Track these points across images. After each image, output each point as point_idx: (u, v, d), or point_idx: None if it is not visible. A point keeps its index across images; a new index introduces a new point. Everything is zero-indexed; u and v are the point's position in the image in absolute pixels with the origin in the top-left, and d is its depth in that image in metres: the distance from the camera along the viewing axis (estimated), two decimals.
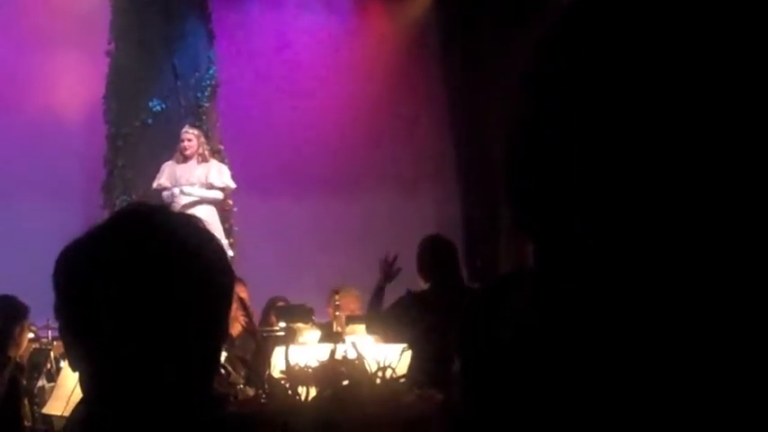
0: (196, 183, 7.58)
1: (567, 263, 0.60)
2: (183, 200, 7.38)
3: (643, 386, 0.56)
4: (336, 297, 5.65)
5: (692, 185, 0.54)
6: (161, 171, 7.63)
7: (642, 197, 0.56)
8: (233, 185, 7.76)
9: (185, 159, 7.60)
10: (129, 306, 1.12)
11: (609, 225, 0.57)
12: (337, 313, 5.55)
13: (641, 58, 0.56)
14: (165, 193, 7.53)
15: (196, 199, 7.51)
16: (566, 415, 0.60)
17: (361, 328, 5.11)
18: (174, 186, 7.53)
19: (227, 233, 8.01)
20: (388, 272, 5.21)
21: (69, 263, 1.17)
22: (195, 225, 1.23)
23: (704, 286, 0.55)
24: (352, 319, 5.31)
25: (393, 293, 5.10)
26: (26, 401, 4.78)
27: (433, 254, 4.86)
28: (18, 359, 4.83)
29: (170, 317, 1.13)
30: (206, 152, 7.68)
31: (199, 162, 7.63)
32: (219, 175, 7.68)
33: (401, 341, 4.23)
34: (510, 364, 0.69)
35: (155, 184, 7.61)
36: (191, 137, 7.65)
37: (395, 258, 5.23)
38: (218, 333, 1.21)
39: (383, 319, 4.83)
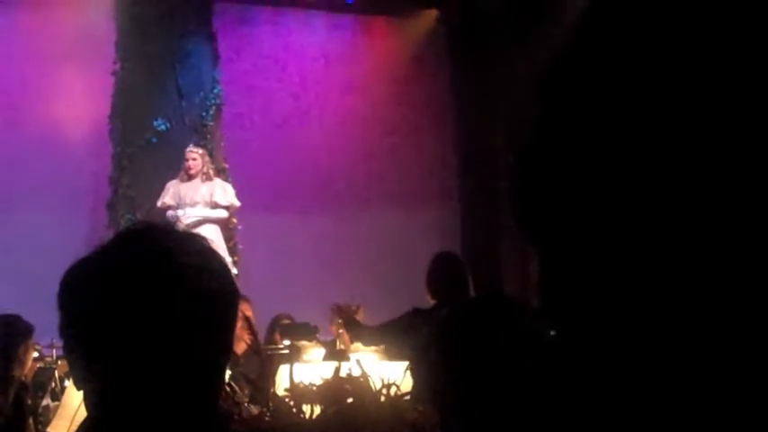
0: (200, 202, 7.59)
1: (576, 275, 0.60)
2: (188, 219, 7.38)
3: (655, 405, 0.56)
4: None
5: (705, 201, 0.55)
6: (165, 190, 7.64)
7: (650, 210, 0.56)
8: (237, 204, 7.77)
9: (190, 178, 7.61)
10: (134, 325, 1.12)
11: (618, 239, 0.57)
12: (340, 330, 5.56)
13: (651, 76, 0.57)
14: (169, 213, 7.54)
15: (200, 218, 7.51)
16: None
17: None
18: (179, 205, 7.53)
19: (232, 251, 8.01)
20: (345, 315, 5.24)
21: (74, 282, 1.17)
22: (199, 244, 1.23)
23: (712, 300, 0.55)
24: (351, 322, 5.27)
25: (399, 311, 5.09)
26: (31, 421, 4.77)
27: (442, 271, 4.85)
28: (23, 378, 4.83)
29: (175, 335, 1.14)
30: (210, 171, 7.70)
31: (203, 181, 7.64)
32: (224, 193, 7.69)
33: (401, 354, 4.22)
34: (517, 381, 0.70)
35: (159, 203, 7.62)
36: (195, 156, 7.66)
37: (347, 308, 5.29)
38: (223, 351, 1.21)
39: (385, 330, 4.82)
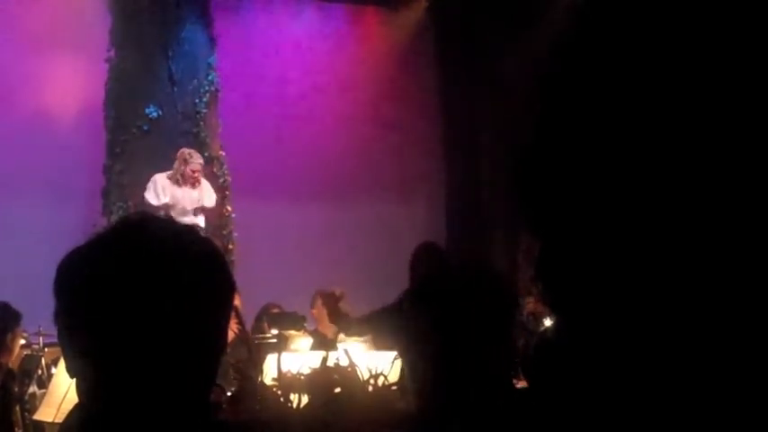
0: (193, 207, 7.57)
1: (577, 265, 0.61)
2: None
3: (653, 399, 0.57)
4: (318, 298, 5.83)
5: (702, 192, 0.55)
6: (161, 188, 7.49)
7: (650, 201, 0.56)
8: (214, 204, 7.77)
9: (184, 185, 7.53)
10: (129, 314, 1.13)
11: (619, 227, 0.58)
12: (314, 311, 5.69)
13: (652, 66, 0.57)
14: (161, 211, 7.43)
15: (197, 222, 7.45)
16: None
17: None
18: (174, 208, 7.46)
19: (227, 239, 8.00)
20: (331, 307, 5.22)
21: (71, 269, 1.17)
22: (197, 235, 1.24)
23: (708, 294, 0.55)
24: (337, 315, 5.29)
25: (387, 299, 5.10)
26: (17, 408, 4.76)
27: (425, 261, 4.90)
28: (9, 365, 4.82)
29: (169, 325, 1.14)
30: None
31: (196, 187, 7.59)
32: (210, 195, 7.70)
33: (389, 343, 4.24)
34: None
35: (154, 200, 7.46)
36: (201, 166, 7.55)
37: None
38: (217, 342, 1.22)
39: (373, 320, 4.82)
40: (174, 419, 1.15)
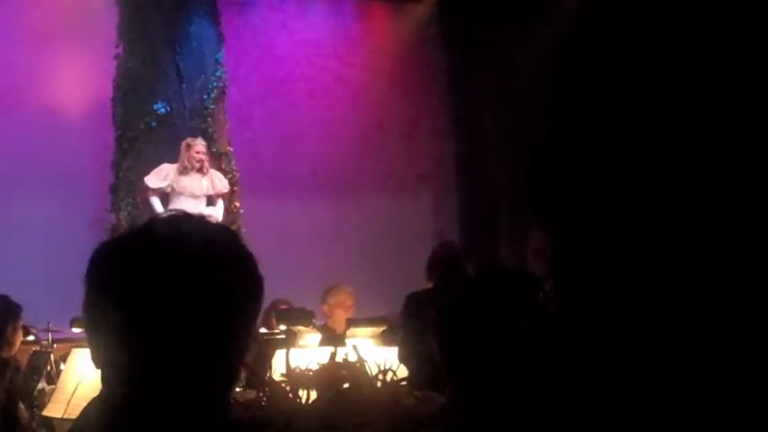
0: (202, 195, 7.60)
1: (586, 260, 0.61)
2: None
3: (650, 381, 0.57)
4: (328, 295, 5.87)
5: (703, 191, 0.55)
6: (162, 172, 7.55)
7: (658, 203, 0.56)
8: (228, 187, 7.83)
9: (192, 171, 7.55)
10: (157, 309, 1.15)
11: (628, 225, 0.58)
12: (325, 307, 5.71)
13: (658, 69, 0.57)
14: (155, 199, 7.46)
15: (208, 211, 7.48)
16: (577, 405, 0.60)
17: (361, 331, 5.12)
18: (182, 195, 7.49)
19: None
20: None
21: (104, 260, 1.20)
22: (229, 235, 1.27)
23: (709, 287, 0.55)
24: (352, 322, 5.33)
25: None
26: (21, 405, 4.77)
27: (443, 258, 5.00)
28: (10, 360, 4.83)
29: (197, 321, 1.16)
30: (207, 163, 7.69)
31: (203, 174, 7.61)
32: (221, 181, 7.73)
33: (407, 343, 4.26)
34: (527, 354, 0.70)
35: (156, 184, 7.52)
36: (204, 149, 7.60)
37: None
38: (242, 340, 1.23)
39: (405, 337, 4.85)
40: (195, 415, 1.17)
